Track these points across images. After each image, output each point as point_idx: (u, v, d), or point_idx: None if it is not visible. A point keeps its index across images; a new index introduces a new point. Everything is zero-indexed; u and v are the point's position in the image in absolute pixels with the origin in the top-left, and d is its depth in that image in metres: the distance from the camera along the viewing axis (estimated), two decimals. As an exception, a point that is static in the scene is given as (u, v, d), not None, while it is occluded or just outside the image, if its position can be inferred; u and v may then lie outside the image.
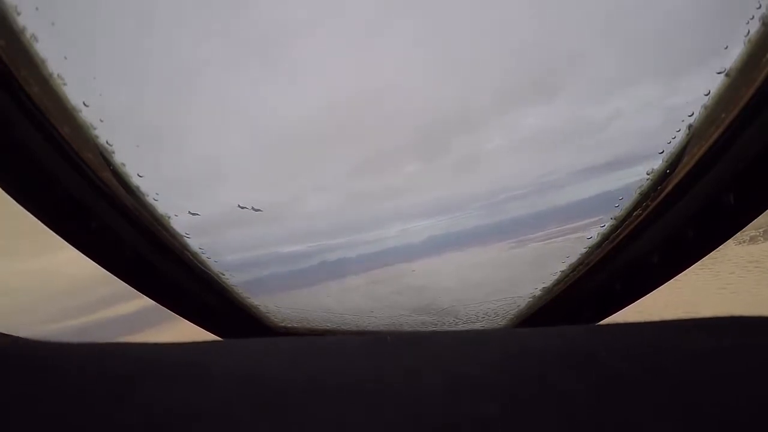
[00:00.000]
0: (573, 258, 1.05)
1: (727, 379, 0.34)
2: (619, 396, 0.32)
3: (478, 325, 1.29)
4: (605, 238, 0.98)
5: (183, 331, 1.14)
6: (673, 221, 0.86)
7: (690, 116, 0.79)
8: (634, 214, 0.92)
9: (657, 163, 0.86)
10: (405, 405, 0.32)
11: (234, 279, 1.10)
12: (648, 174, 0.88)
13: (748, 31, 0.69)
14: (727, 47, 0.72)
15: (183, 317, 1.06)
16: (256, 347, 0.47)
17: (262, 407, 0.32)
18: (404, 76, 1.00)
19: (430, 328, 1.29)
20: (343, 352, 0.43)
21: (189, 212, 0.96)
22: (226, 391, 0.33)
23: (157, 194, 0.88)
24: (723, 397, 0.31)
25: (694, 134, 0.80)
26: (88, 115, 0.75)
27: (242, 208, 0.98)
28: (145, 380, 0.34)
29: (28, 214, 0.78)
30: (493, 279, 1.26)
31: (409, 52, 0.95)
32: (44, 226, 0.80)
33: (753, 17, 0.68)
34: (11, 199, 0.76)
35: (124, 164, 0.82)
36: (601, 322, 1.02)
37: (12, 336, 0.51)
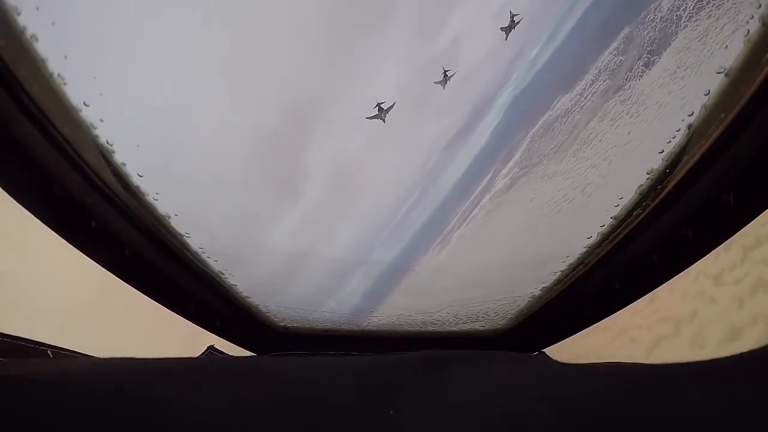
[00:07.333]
0: (573, 258, 1.05)
1: None
2: None
3: (478, 325, 1.28)
4: (605, 238, 0.98)
5: (184, 330, 1.14)
6: (673, 221, 0.86)
7: (690, 116, 0.79)
8: (634, 214, 0.91)
9: (657, 163, 0.86)
10: None
11: (234, 279, 1.10)
12: (648, 174, 0.88)
13: (748, 31, 0.68)
14: (727, 47, 0.72)
15: (183, 317, 1.06)
16: (265, 368, 0.47)
17: None
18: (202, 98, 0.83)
19: (430, 329, 1.29)
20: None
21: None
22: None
23: (157, 194, 0.88)
24: None
25: (694, 134, 0.79)
26: (88, 115, 0.75)
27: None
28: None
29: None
30: (493, 279, 1.26)
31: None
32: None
33: (753, 17, 0.68)
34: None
35: (124, 164, 0.82)
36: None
37: (12, 336, 0.51)
